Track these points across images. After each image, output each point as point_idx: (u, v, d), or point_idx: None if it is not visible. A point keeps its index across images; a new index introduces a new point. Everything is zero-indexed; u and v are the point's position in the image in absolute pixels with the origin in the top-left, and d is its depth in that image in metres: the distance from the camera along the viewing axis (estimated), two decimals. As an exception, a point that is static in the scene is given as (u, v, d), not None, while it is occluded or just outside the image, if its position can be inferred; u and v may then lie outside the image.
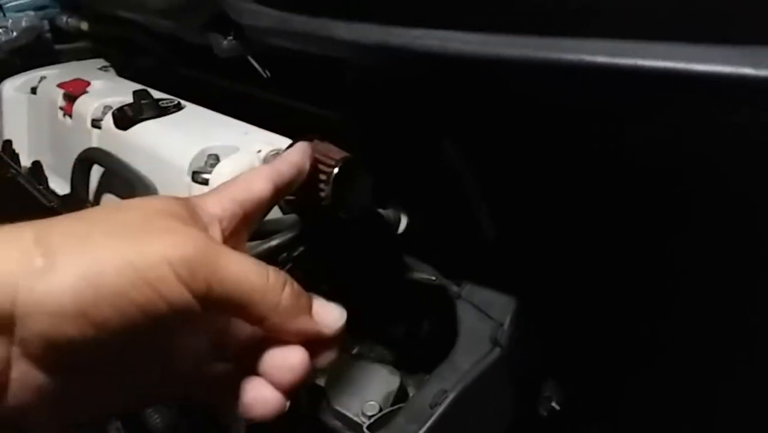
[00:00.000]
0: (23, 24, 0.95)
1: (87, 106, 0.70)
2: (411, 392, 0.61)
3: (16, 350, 0.25)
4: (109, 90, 0.74)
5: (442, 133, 0.57)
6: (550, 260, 0.59)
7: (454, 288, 0.61)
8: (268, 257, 0.52)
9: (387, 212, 0.61)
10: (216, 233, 0.33)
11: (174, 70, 0.81)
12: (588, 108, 0.45)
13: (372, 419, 0.55)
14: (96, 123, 0.68)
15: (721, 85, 0.31)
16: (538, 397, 0.65)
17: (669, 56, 0.31)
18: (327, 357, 0.35)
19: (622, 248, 0.55)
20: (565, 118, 0.49)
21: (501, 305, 0.58)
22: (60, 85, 0.76)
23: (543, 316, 0.60)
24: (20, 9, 0.99)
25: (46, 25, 1.01)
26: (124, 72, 0.87)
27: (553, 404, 0.65)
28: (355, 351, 0.69)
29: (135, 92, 0.66)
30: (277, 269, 0.32)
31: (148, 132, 0.62)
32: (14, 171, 0.73)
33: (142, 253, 0.27)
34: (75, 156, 0.66)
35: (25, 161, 0.80)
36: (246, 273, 0.29)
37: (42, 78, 0.83)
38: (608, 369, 0.63)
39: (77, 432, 0.31)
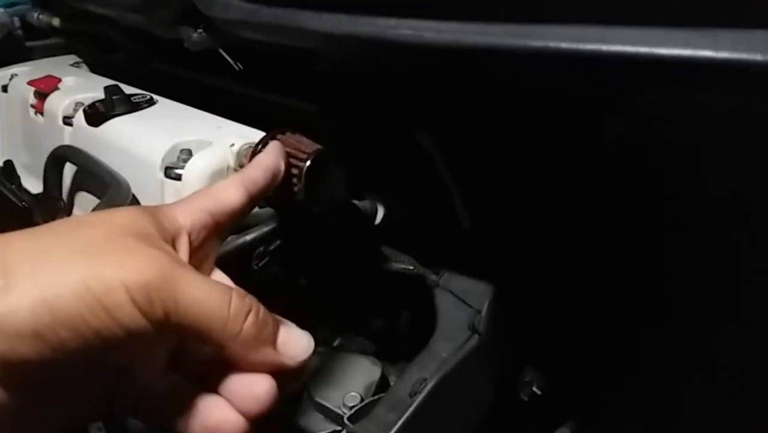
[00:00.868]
0: (-7, 21, 0.94)
1: (58, 103, 0.69)
2: (393, 381, 0.61)
3: None
4: (81, 86, 0.73)
5: (417, 124, 0.57)
6: (526, 248, 0.59)
7: (432, 277, 0.61)
8: (244, 251, 0.52)
9: (363, 204, 0.61)
10: (183, 245, 0.33)
11: (146, 65, 0.80)
12: (559, 95, 0.45)
13: (353, 410, 0.55)
14: (67, 120, 0.67)
15: (683, 69, 0.31)
16: (519, 382, 0.66)
17: (631, 41, 0.32)
18: (290, 387, 0.33)
19: (600, 235, 0.56)
20: (540, 107, 0.49)
21: (478, 293, 0.59)
22: (31, 83, 0.75)
23: (521, 302, 0.61)
24: (-10, 6, 0.97)
25: (17, 21, 0.99)
26: (96, 68, 0.86)
27: (534, 388, 0.66)
28: (336, 343, 0.70)
29: (106, 88, 0.65)
30: (243, 293, 0.31)
31: (120, 128, 0.61)
32: None
33: (100, 276, 0.26)
34: (47, 154, 0.65)
35: (-2, 160, 0.79)
36: (206, 301, 0.29)
37: (13, 75, 0.82)
38: (588, 354, 0.63)
39: None
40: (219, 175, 0.53)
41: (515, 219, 0.59)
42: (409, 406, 0.52)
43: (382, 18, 0.44)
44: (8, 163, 0.76)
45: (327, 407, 0.57)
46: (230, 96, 0.67)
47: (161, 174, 0.54)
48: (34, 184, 0.71)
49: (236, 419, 0.31)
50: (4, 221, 0.68)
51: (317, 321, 0.65)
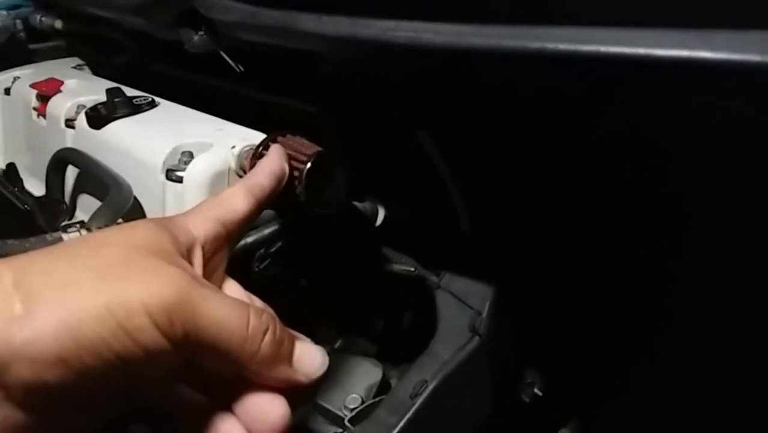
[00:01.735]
0: (-4, 24, 0.94)
1: (60, 105, 0.69)
2: (394, 383, 0.61)
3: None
4: (83, 89, 0.73)
5: (418, 125, 0.57)
6: (528, 249, 0.59)
7: (433, 278, 0.61)
8: (245, 253, 0.52)
9: (364, 205, 0.61)
10: (198, 258, 0.33)
11: (149, 67, 0.80)
12: (557, 96, 0.45)
13: (354, 412, 0.56)
14: (70, 123, 0.67)
15: (681, 70, 0.31)
16: (521, 383, 0.66)
17: (629, 42, 0.32)
18: (303, 407, 0.34)
19: (602, 236, 0.56)
20: (539, 107, 0.49)
21: (479, 294, 0.59)
22: (33, 86, 0.75)
23: (522, 304, 0.61)
24: (-8, 9, 0.97)
25: (19, 24, 0.99)
26: (99, 70, 0.86)
27: (536, 390, 0.66)
28: (337, 345, 0.70)
29: (108, 90, 0.65)
30: (260, 310, 0.31)
31: (121, 131, 0.61)
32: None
33: (121, 300, 0.26)
34: (49, 157, 0.65)
35: (0, 163, 0.79)
36: (226, 321, 0.29)
37: (15, 78, 0.82)
38: (590, 355, 0.63)
39: None
40: (220, 177, 0.53)
41: (516, 220, 0.59)
42: (410, 408, 0.52)
43: (381, 20, 0.44)
44: (11, 166, 0.76)
45: (328, 409, 0.57)
46: (231, 98, 0.67)
47: (162, 177, 0.54)
48: (36, 187, 0.71)
49: None
50: (6, 224, 0.68)
51: (318, 323, 0.65)
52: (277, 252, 0.54)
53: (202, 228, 0.34)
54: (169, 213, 0.55)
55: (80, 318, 0.25)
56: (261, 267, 0.53)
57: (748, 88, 0.30)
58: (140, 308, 0.27)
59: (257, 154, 0.51)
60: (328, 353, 0.64)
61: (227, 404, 0.32)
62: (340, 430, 0.56)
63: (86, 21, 0.83)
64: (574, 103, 0.45)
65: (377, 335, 0.70)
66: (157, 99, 0.67)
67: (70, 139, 0.67)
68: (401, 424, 0.52)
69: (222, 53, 0.59)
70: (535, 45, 0.36)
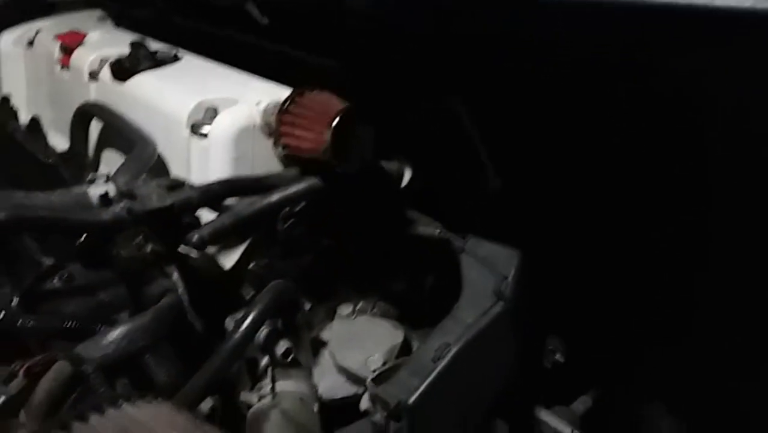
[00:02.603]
0: (17, -25, 0.92)
1: (84, 58, 0.68)
2: (415, 346, 0.61)
3: None
4: (106, 41, 0.72)
5: (447, 86, 0.55)
6: (554, 214, 0.58)
7: (458, 242, 0.60)
8: (270, 212, 0.52)
9: (390, 165, 0.60)
10: None
11: (172, 20, 0.79)
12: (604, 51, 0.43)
13: (375, 373, 0.55)
14: (93, 75, 0.66)
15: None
16: (543, 350, 0.65)
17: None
18: None
19: (632, 202, 0.54)
20: (575, 68, 0.47)
21: (505, 259, 0.58)
22: (56, 37, 0.74)
23: (547, 269, 0.60)
24: (13, -40, 0.96)
25: (40, -24, 0.98)
26: (121, 22, 0.85)
27: (557, 356, 0.66)
28: (359, 306, 0.69)
29: (132, 43, 0.64)
30: None
31: (145, 84, 0.61)
32: (13, 128, 0.72)
33: None
34: (73, 110, 0.65)
35: (24, 117, 0.79)
36: None
37: (38, 31, 0.81)
38: (613, 324, 0.62)
39: None
40: (246, 133, 0.52)
41: (545, 185, 0.57)
42: (433, 370, 0.52)
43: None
44: (34, 121, 0.76)
45: (349, 370, 0.57)
46: (256, 51, 0.66)
47: (187, 132, 0.54)
48: (60, 141, 0.71)
49: None
50: (32, 178, 0.68)
51: (341, 284, 0.65)
52: (302, 212, 0.53)
53: None
54: (194, 169, 0.54)
55: None
56: (286, 226, 0.52)
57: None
58: None
59: (283, 110, 0.50)
60: (349, 315, 0.63)
61: None
62: (362, 391, 0.56)
63: (108, -28, 0.81)
64: (620, 59, 0.43)
65: (400, 298, 0.69)
66: (180, 52, 0.66)
67: (93, 92, 0.66)
68: (423, 386, 0.51)
69: (248, 5, 0.58)
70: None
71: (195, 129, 0.53)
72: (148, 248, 0.46)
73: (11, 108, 0.80)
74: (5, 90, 0.83)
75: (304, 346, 0.55)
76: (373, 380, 0.55)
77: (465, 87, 0.55)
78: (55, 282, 0.46)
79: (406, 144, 0.61)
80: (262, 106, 0.52)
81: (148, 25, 0.77)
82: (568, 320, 0.65)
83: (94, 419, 0.29)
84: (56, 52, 0.74)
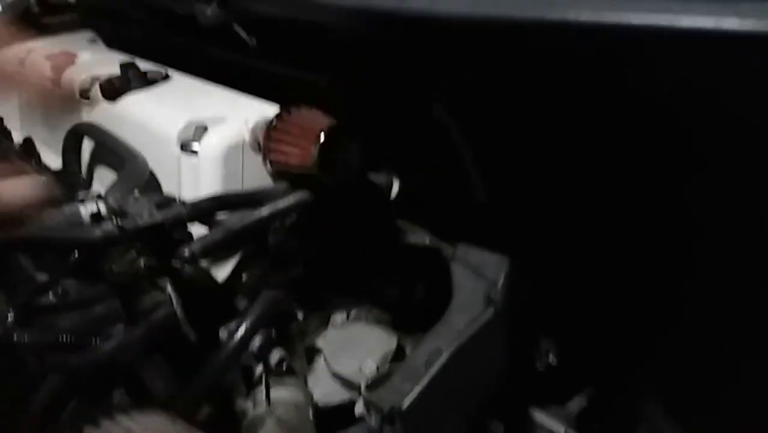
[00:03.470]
0: (9, -2, 0.94)
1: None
2: (409, 351, 0.62)
3: None
4: (97, 62, 0.73)
5: (432, 96, 0.56)
6: (542, 219, 0.59)
7: (448, 249, 0.61)
8: (261, 226, 0.53)
9: (379, 177, 0.61)
10: None
11: (162, 40, 0.80)
12: (576, 68, 0.44)
13: (369, 379, 0.56)
14: (84, 95, 0.67)
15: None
16: (535, 352, 0.66)
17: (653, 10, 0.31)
18: None
19: (618, 205, 0.55)
20: (557, 77, 0.48)
21: (494, 265, 0.59)
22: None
23: (537, 274, 0.61)
24: (6, -18, 0.97)
25: (32, -2, 0.99)
26: (112, 43, 0.86)
27: (550, 359, 0.66)
28: (352, 314, 0.70)
29: (122, 64, 0.65)
30: None
31: (135, 104, 0.62)
32: (6, 148, 0.73)
33: None
34: (65, 129, 0.66)
35: (18, 138, 0.80)
36: None
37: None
38: (604, 326, 0.63)
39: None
40: (235, 150, 0.53)
41: (531, 190, 0.58)
42: (425, 375, 0.53)
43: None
44: (28, 141, 0.77)
45: (344, 376, 0.58)
46: (245, 70, 0.67)
47: (177, 150, 0.55)
48: (54, 160, 0.72)
49: None
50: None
51: (334, 293, 0.66)
52: (293, 225, 0.54)
53: None
54: (184, 186, 0.55)
55: None
56: (276, 239, 0.53)
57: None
58: None
59: (271, 127, 0.51)
60: (343, 322, 0.64)
61: None
62: (356, 397, 0.57)
63: (98, -7, 0.82)
64: (595, 74, 0.44)
65: (392, 305, 0.70)
66: (170, 72, 0.67)
67: (84, 112, 0.67)
68: (415, 391, 0.52)
69: (235, 26, 0.59)
70: (556, 16, 0.35)
71: (185, 147, 0.54)
72: (141, 263, 0.47)
73: (5, 129, 0.81)
74: (-1, 112, 0.84)
75: (299, 354, 0.56)
76: (367, 385, 0.56)
77: (451, 95, 0.56)
78: (50, 297, 0.47)
79: (395, 155, 0.62)
80: (251, 123, 0.53)
81: (138, 46, 0.78)
82: (561, 321, 0.66)
83: (89, 430, 0.29)
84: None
